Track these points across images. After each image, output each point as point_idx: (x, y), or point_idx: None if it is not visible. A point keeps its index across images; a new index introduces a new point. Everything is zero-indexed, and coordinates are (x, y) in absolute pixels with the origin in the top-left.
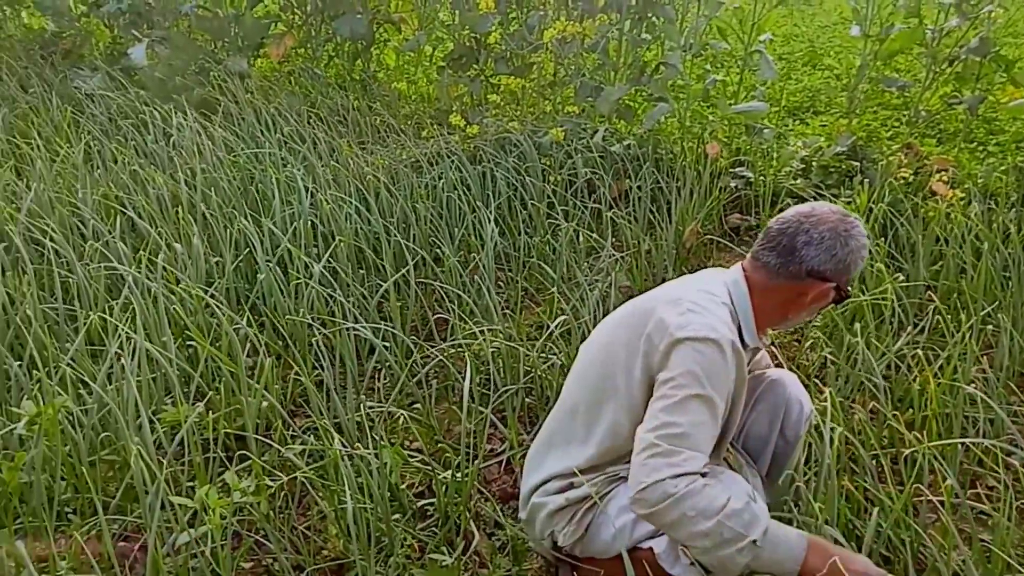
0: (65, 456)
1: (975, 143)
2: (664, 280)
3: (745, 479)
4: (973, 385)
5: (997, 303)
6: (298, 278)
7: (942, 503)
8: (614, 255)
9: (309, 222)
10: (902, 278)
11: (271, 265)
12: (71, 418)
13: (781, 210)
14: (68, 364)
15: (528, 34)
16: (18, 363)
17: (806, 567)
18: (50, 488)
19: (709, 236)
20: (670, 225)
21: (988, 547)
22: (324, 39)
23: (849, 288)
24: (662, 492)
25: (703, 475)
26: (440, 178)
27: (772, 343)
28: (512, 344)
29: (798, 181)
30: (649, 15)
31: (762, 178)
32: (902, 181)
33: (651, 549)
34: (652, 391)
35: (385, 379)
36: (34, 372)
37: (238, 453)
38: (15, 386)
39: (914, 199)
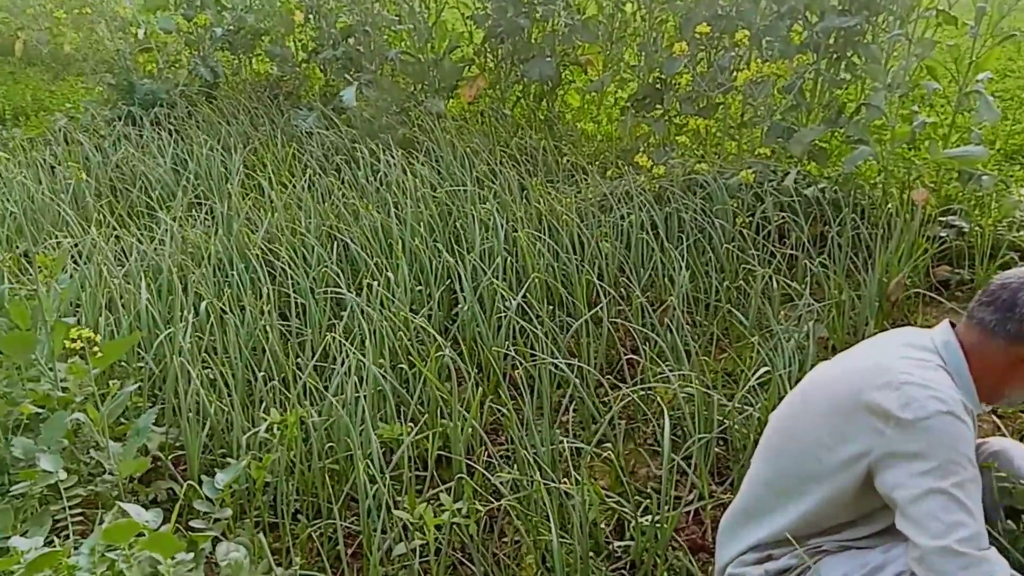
0: (297, 461)
1: None
2: (864, 336)
3: None
4: None
5: None
6: (496, 311)
7: None
8: (811, 304)
9: (504, 257)
10: None
11: (472, 297)
12: (303, 426)
13: (1001, 266)
14: (307, 377)
15: (719, 74)
16: (262, 374)
17: None
18: (284, 489)
19: (916, 290)
20: (872, 275)
21: None
22: (513, 81)
23: None
24: None
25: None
26: (626, 218)
27: (992, 411)
28: (706, 391)
29: (1022, 233)
30: (849, 53)
31: (978, 228)
32: None
33: None
34: (868, 475)
35: (575, 415)
36: (271, 383)
37: (444, 471)
38: (256, 394)
39: None
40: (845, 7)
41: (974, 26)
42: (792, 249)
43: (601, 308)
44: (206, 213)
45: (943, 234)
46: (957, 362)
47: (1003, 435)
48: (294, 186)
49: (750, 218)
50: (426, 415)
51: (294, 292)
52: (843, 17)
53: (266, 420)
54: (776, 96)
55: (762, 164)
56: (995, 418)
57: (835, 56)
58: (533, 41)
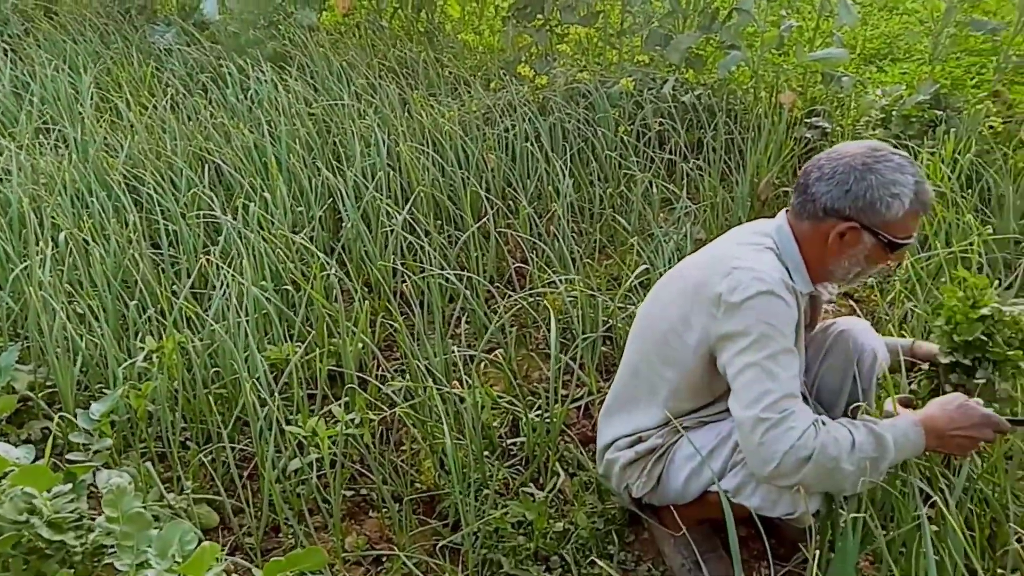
0: (180, 389)
1: None
2: None
3: None
4: None
5: None
6: (382, 227)
7: None
8: (689, 207)
9: (388, 173)
10: (990, 231)
11: (355, 215)
12: (185, 354)
13: None
14: (182, 304)
15: None
16: (134, 303)
17: (928, 449)
18: (169, 417)
19: (784, 188)
20: (744, 176)
21: None
22: None
23: (898, 236)
24: (795, 459)
25: (816, 421)
26: (510, 130)
27: (850, 297)
28: (591, 293)
29: (878, 131)
30: None
31: (839, 128)
32: (990, 130)
33: (722, 490)
34: (712, 357)
35: (467, 326)
36: (146, 312)
37: (339, 389)
38: (131, 326)
39: (1003, 148)
40: None
41: None
42: (671, 154)
43: (488, 220)
44: (57, 139)
45: (809, 135)
46: (787, 244)
47: (857, 316)
48: (156, 108)
49: (631, 126)
50: (313, 334)
51: (164, 218)
52: None
53: (143, 349)
54: (654, 3)
55: (641, 72)
56: (851, 302)
57: None
58: None
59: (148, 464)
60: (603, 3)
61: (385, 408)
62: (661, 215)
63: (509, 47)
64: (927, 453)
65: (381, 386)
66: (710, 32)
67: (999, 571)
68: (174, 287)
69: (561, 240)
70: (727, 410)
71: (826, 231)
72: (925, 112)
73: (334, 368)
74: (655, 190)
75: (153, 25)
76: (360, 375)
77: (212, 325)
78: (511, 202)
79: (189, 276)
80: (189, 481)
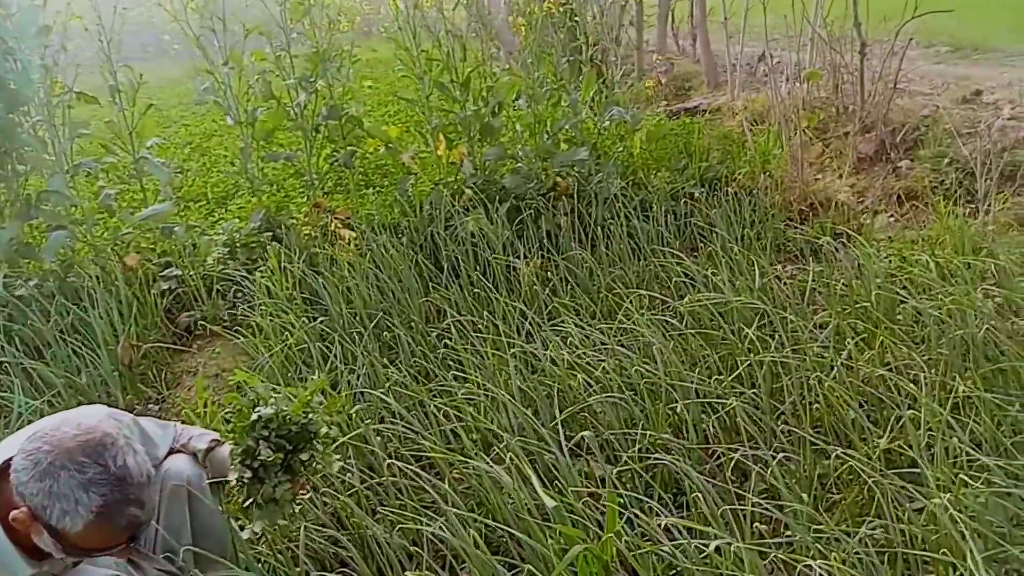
0: None
1: (368, 188)
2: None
3: None
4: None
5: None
6: None
7: None
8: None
9: None
10: (320, 319)
11: None
12: None
13: (221, 294)
14: None
15: None
16: None
17: None
18: None
19: (159, 343)
20: (103, 351)
21: None
22: None
23: (81, 546)
24: None
25: None
26: None
27: None
28: None
29: (230, 264)
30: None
31: (191, 273)
32: (311, 236)
33: None
34: None
35: None
36: None
37: None
38: None
39: (325, 248)
40: None
41: (118, 102)
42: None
43: None
44: None
45: (166, 286)
46: None
47: None
48: None
49: None
50: None
51: None
52: None
53: None
54: None
55: None
56: None
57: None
58: None
59: None
60: None
61: None
62: None
63: None
64: None
65: None
66: (32, 219)
67: None
68: None
69: None
70: None
71: (14, 503)
72: (260, 236)
73: None
74: None
75: None
76: None
77: None
78: None
79: None
80: None
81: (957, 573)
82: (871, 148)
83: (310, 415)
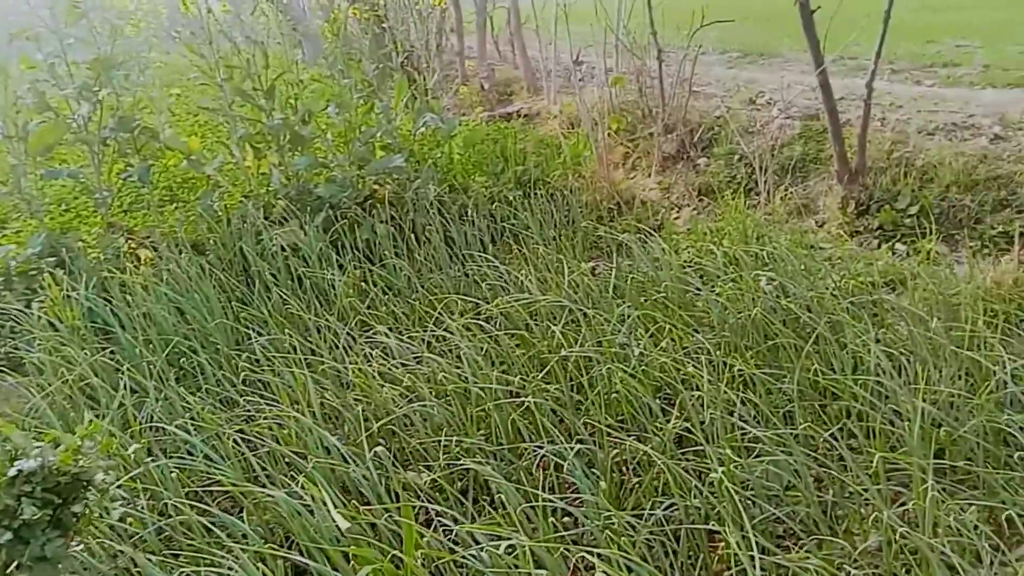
0: None
1: (172, 203)
2: None
3: None
4: None
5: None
6: None
7: None
8: None
9: None
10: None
11: None
12: None
13: None
14: None
15: None
16: None
17: None
18: None
19: None
20: None
21: None
22: None
23: None
24: None
25: None
26: None
27: None
28: None
29: (6, 295)
30: None
31: None
32: (105, 258)
33: None
34: None
35: None
36: None
37: None
38: None
39: (117, 272)
40: None
41: None
42: None
43: None
44: None
45: None
46: None
47: None
48: None
49: None
50: None
51: None
52: None
53: None
54: None
55: None
56: None
57: None
58: None
59: None
60: None
61: None
62: None
63: None
64: None
65: None
66: None
67: None
68: None
69: None
70: None
71: None
72: (42, 262)
73: None
74: None
75: None
76: None
77: None
78: None
79: None
80: None
81: (734, 540)
82: (673, 147)
83: (81, 462)
